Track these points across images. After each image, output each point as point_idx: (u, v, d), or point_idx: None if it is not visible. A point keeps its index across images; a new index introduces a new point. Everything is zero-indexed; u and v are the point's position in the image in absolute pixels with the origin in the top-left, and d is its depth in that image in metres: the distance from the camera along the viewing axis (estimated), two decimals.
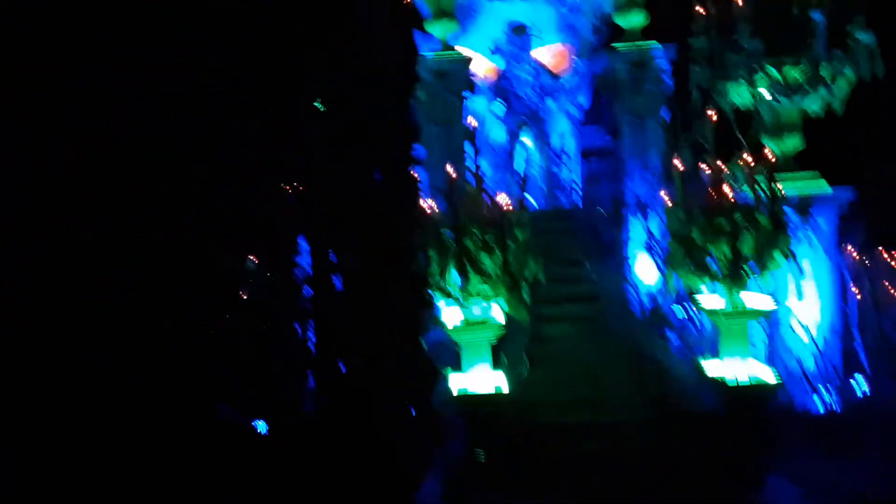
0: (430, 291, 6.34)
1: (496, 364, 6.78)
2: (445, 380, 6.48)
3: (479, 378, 6.48)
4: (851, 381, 8.05)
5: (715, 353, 7.17)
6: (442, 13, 9.19)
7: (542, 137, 10.44)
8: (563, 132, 10.69)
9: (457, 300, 6.36)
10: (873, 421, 7.40)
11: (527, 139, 10.37)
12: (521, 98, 10.35)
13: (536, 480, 6.30)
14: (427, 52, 9.18)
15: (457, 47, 10.27)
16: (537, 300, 8.13)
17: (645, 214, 8.95)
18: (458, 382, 6.44)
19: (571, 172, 10.51)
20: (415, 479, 5.08)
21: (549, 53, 11.03)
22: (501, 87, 10.38)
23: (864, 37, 8.35)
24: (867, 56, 8.39)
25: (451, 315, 6.52)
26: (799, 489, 6.66)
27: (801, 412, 7.62)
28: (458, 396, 6.21)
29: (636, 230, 9.11)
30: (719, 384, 6.76)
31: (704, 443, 6.72)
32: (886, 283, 8.68)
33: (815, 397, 7.80)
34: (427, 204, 6.48)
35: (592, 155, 10.81)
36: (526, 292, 6.62)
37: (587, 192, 10.33)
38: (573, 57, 10.93)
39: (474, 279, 6.32)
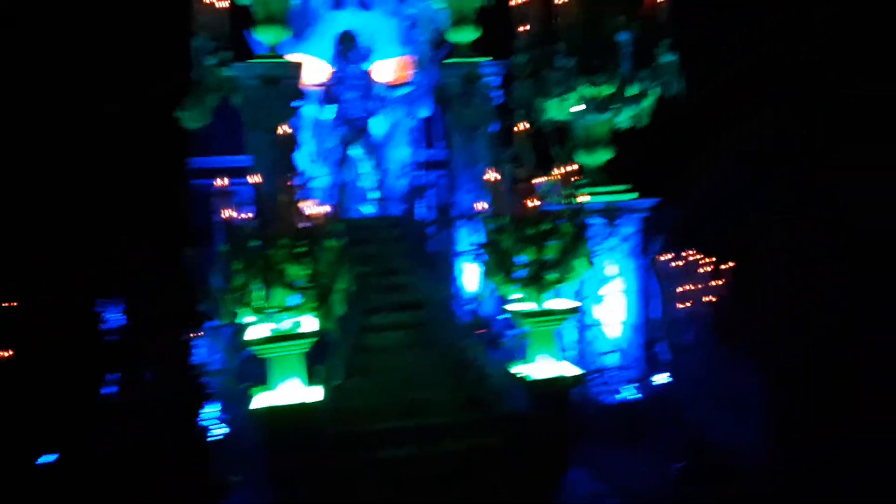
0: (234, 306, 6.31)
1: (313, 378, 6.79)
2: (251, 398, 6.42)
3: (290, 393, 6.46)
4: (652, 375, 8.75)
5: (527, 355, 7.58)
6: (271, 19, 9.07)
7: (376, 147, 10.58)
8: (400, 142, 10.89)
9: (263, 314, 6.31)
10: (667, 411, 8.10)
11: (360, 148, 10.47)
12: (356, 107, 10.44)
13: (346, 487, 6.40)
14: (254, 59, 9.08)
15: (294, 55, 10.24)
16: (363, 310, 8.30)
17: (472, 224, 9.28)
18: (266, 399, 6.37)
19: (405, 181, 10.73)
20: None
21: (390, 65, 11.21)
22: (336, 95, 10.43)
23: (668, 58, 9.06)
24: (671, 76, 9.13)
25: (258, 331, 6.45)
26: (596, 479, 7.18)
27: (603, 406, 8.18)
28: (262, 411, 6.15)
29: (464, 240, 9.44)
30: (527, 383, 7.14)
31: (514, 441, 7.09)
32: (695, 284, 9.51)
33: (619, 392, 8.40)
34: (234, 214, 6.39)
35: (429, 165, 11.10)
36: (340, 303, 6.67)
37: (420, 201, 10.58)
38: (413, 69, 11.16)
39: (281, 292, 6.30)
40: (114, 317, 6.53)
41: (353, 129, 10.28)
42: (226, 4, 8.68)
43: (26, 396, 6.17)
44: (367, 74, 10.47)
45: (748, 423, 7.87)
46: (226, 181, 6.58)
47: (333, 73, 10.36)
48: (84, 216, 6.13)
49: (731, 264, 9.12)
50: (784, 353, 9.01)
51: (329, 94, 10.27)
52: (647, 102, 9.26)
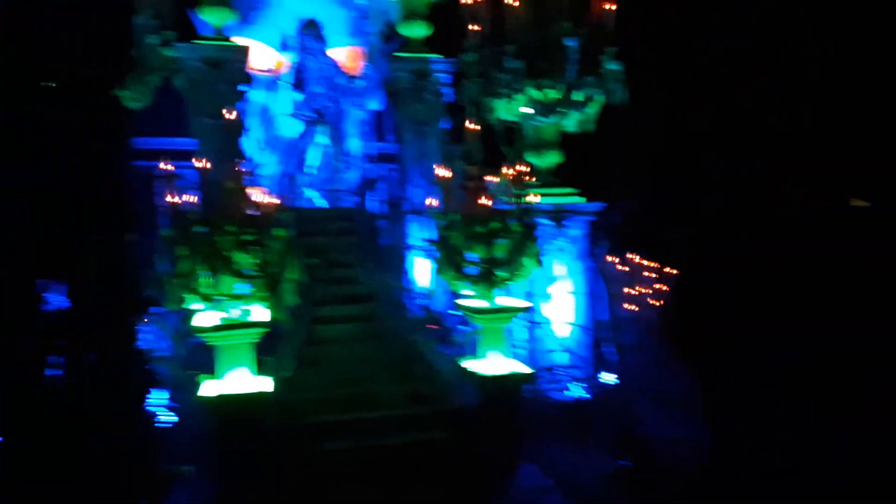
0: (181, 292, 6.03)
1: (262, 368, 6.57)
2: (198, 387, 6.16)
3: (238, 382, 6.23)
4: (599, 374, 8.93)
5: (477, 351, 7.57)
6: (217, 0, 8.77)
7: (330, 137, 10.40)
8: (351, 134, 10.73)
9: (211, 301, 6.05)
10: (613, 410, 8.28)
11: (315, 137, 10.27)
12: (311, 95, 10.24)
13: (290, 479, 6.22)
14: (198, 40, 8.73)
15: (242, 38, 9.92)
16: (314, 301, 8.11)
17: (423, 220, 9.23)
18: (213, 389, 6.13)
19: (356, 173, 10.58)
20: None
21: (342, 55, 11.03)
22: (292, 83, 10.21)
23: (613, 66, 9.27)
24: (615, 84, 9.34)
25: (206, 318, 6.20)
26: (543, 473, 7.25)
27: (553, 403, 8.28)
28: (212, 399, 5.90)
29: (415, 234, 9.38)
30: (477, 379, 7.12)
31: (462, 436, 7.06)
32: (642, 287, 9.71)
33: (567, 389, 8.53)
34: (180, 199, 6.10)
35: (381, 159, 11.00)
36: (290, 293, 6.48)
37: (372, 195, 10.46)
38: (364, 61, 11.03)
39: (228, 280, 6.06)
40: (56, 299, 6.12)
41: (310, 119, 10.09)
42: None
43: None
44: (330, 62, 10.30)
45: (689, 422, 8.14)
46: (170, 164, 6.28)
47: (298, 61, 10.14)
48: (21, 196, 5.69)
49: (674, 271, 9.40)
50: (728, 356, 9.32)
51: (290, 80, 10.04)
52: (593, 109, 9.45)
